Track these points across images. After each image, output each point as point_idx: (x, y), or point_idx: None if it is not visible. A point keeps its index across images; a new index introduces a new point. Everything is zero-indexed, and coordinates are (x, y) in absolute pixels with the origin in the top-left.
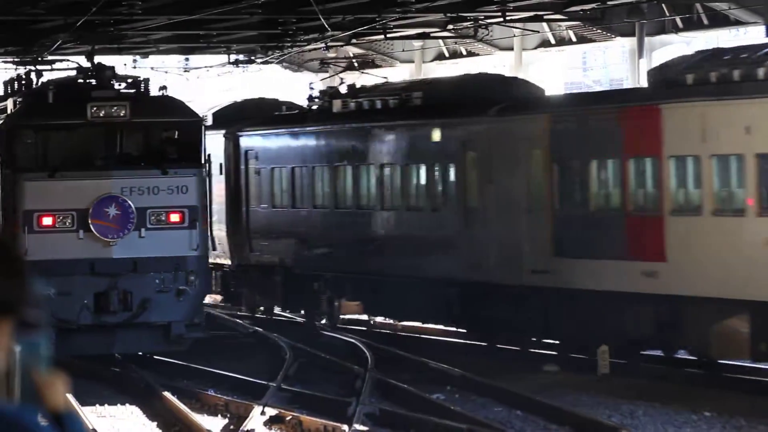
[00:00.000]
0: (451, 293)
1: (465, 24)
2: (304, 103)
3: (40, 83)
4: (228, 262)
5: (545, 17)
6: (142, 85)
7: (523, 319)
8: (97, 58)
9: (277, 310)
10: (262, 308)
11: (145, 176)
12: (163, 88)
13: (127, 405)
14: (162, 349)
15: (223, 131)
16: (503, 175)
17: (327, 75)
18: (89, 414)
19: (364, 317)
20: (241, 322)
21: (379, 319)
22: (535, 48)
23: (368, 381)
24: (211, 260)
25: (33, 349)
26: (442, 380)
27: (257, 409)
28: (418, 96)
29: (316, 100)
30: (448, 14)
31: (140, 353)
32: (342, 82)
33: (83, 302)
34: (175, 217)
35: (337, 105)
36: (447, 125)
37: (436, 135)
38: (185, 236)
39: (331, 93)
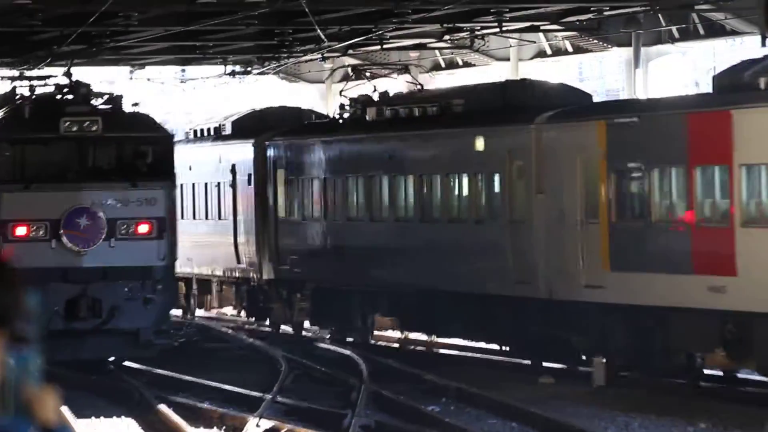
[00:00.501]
0: (494, 309)
1: (461, 34)
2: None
3: (19, 98)
4: (256, 276)
5: (541, 28)
6: (116, 101)
7: (575, 335)
8: (92, 70)
9: (301, 323)
10: (288, 325)
11: (115, 189)
12: (136, 104)
13: (123, 417)
14: (130, 355)
15: (252, 141)
16: (554, 185)
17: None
18: (84, 427)
19: (397, 334)
20: (236, 334)
21: (414, 335)
22: (532, 58)
23: (363, 393)
24: (236, 274)
25: (23, 364)
26: (437, 392)
27: (252, 422)
28: (459, 103)
29: (347, 108)
30: (445, 25)
31: (122, 361)
32: (375, 90)
33: (55, 309)
34: (143, 228)
35: (371, 113)
36: (491, 133)
37: (480, 143)
38: (153, 246)
39: (363, 101)
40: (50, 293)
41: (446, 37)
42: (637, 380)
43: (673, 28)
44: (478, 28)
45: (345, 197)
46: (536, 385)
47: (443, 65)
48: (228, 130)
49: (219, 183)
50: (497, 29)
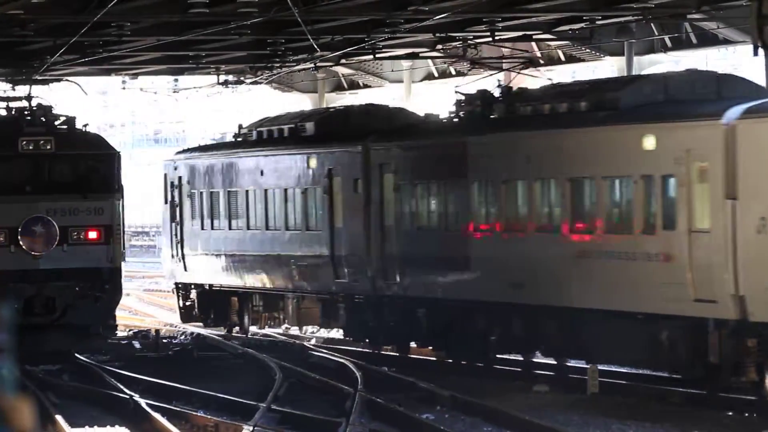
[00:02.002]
0: (665, 331)
1: (454, 44)
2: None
3: None
4: (362, 291)
5: (534, 37)
6: (70, 122)
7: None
8: (86, 80)
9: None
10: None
11: (67, 200)
12: (86, 125)
13: (117, 426)
14: (81, 348)
15: (359, 144)
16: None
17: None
18: None
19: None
20: (230, 343)
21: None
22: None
23: (358, 401)
24: (332, 289)
25: None
26: (431, 400)
27: (247, 430)
28: (614, 97)
29: (464, 105)
30: (437, 34)
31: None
32: (499, 84)
33: (14, 307)
34: (92, 235)
35: (499, 110)
36: (665, 130)
37: (649, 142)
38: (102, 250)
39: (485, 97)
40: (10, 293)
41: (439, 46)
42: (632, 388)
43: (666, 38)
44: (471, 37)
45: (467, 204)
46: (530, 392)
47: (436, 75)
48: (310, 131)
49: (306, 189)
50: (490, 38)
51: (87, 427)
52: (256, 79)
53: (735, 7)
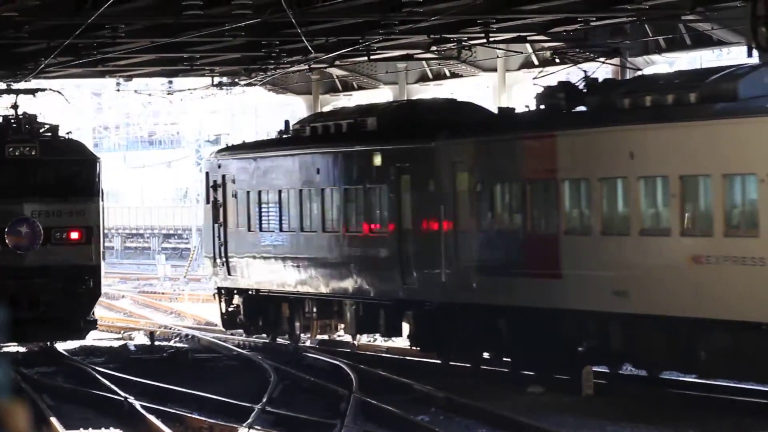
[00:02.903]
0: None
1: (448, 45)
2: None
3: None
4: (432, 297)
5: (528, 38)
6: (53, 130)
7: None
8: (80, 82)
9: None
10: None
11: (50, 203)
12: (69, 132)
13: (111, 428)
14: (63, 339)
15: (432, 140)
16: None
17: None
18: None
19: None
20: (225, 344)
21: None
22: (519, 69)
23: (352, 403)
24: (399, 295)
25: None
26: (426, 402)
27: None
28: (731, 87)
29: (545, 98)
30: (432, 36)
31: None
32: (587, 74)
33: (1, 301)
34: (74, 235)
35: (592, 102)
36: None
37: None
38: (83, 249)
39: (569, 89)
40: None
41: (433, 48)
42: (626, 389)
43: (660, 39)
44: (465, 39)
45: (557, 204)
46: (525, 394)
47: (430, 76)
48: (372, 127)
49: (369, 188)
50: (484, 40)
51: (81, 429)
52: (251, 80)
53: (729, 8)
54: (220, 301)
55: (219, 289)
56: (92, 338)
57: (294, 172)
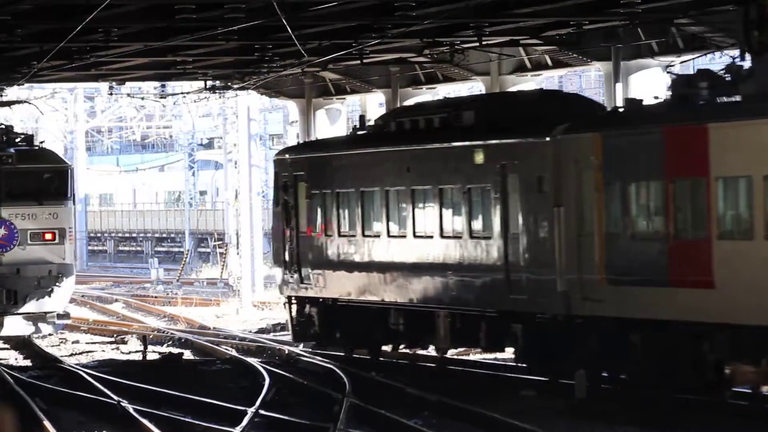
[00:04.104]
0: None
1: (441, 49)
2: None
3: None
4: (557, 310)
5: (521, 42)
6: (29, 140)
7: None
8: (74, 85)
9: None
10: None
11: (26, 206)
12: (42, 142)
13: None
14: (39, 333)
15: (546, 135)
16: None
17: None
18: None
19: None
20: (218, 348)
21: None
22: (512, 73)
23: (346, 406)
24: (505, 307)
25: None
26: (419, 405)
27: None
28: None
29: (680, 88)
30: (425, 39)
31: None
32: (733, 60)
33: None
34: (48, 236)
35: (747, 90)
36: None
37: None
38: (57, 249)
39: (712, 78)
40: None
41: (426, 51)
42: (619, 393)
43: (653, 42)
44: (458, 42)
45: (708, 205)
46: (517, 397)
47: (423, 80)
48: (468, 121)
49: (469, 189)
50: (477, 44)
51: None
52: (243, 84)
53: (722, 12)
54: (290, 311)
55: (289, 297)
56: (85, 342)
57: (379, 171)
